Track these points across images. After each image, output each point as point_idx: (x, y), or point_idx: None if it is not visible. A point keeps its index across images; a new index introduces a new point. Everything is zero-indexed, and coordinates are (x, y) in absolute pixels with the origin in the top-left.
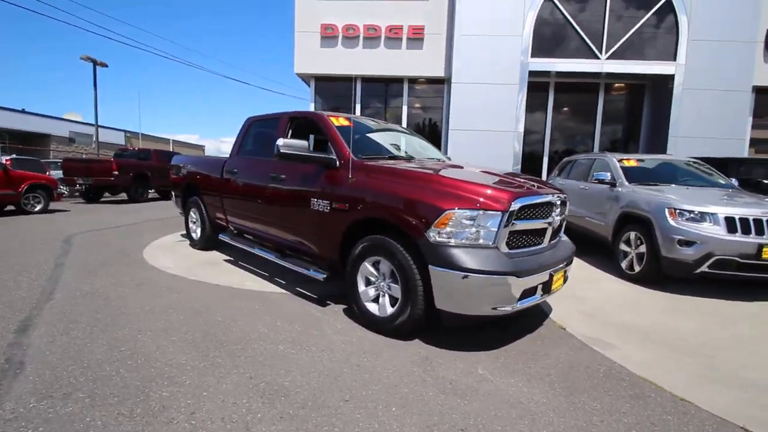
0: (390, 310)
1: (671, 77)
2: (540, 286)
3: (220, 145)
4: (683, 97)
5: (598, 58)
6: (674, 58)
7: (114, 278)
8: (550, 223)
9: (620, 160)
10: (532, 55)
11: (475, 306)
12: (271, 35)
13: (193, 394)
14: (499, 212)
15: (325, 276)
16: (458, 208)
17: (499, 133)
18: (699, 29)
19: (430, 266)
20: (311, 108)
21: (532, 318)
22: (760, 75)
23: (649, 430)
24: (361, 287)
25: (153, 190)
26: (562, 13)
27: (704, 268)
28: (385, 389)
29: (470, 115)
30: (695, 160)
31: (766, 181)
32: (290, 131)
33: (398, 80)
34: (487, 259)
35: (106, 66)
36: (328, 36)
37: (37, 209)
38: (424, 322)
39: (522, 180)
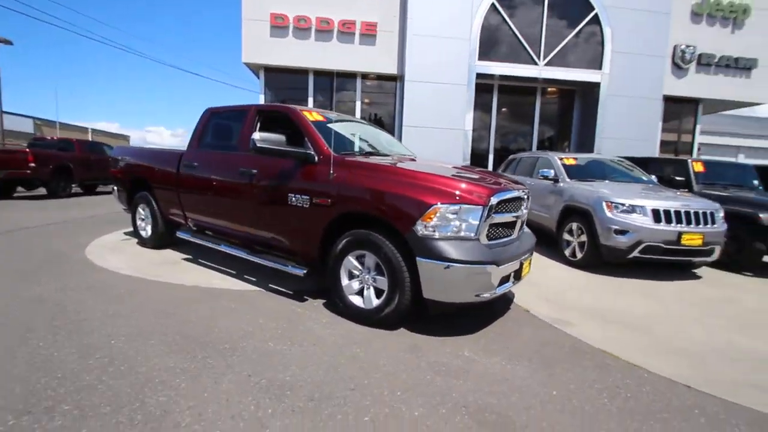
0: (376, 301)
1: (597, 84)
2: (512, 274)
3: (146, 134)
4: (607, 102)
5: (536, 64)
6: (600, 67)
7: (59, 282)
8: (518, 216)
9: (561, 159)
10: (479, 58)
11: (460, 294)
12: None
13: (193, 396)
14: (480, 206)
15: (305, 272)
16: (443, 203)
17: (449, 130)
18: (621, 42)
19: (417, 258)
20: (261, 100)
21: (499, 303)
22: (668, 85)
23: (614, 392)
24: (345, 281)
25: (75, 185)
26: (506, 21)
27: (636, 253)
28: (385, 376)
29: (422, 112)
30: (621, 159)
31: (677, 178)
32: (258, 125)
33: (351, 75)
34: (471, 250)
35: (11, 44)
36: (279, 26)
37: None
38: (410, 312)
39: (493, 176)
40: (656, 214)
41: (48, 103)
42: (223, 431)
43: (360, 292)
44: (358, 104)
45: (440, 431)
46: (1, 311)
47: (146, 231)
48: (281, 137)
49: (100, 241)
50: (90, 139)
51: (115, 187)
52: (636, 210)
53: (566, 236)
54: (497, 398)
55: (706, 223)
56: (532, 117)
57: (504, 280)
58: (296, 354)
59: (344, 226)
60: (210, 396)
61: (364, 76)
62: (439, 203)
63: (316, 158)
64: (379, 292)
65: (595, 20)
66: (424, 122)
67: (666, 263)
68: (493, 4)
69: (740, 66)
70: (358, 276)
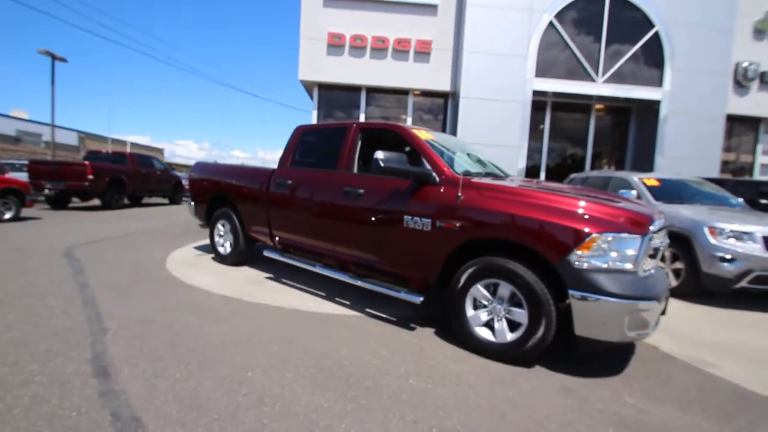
0: (510, 336)
1: (657, 102)
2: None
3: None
4: (667, 120)
5: (594, 81)
6: (660, 84)
7: (158, 301)
8: (660, 247)
9: (642, 179)
10: (536, 75)
11: (617, 332)
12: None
13: None
14: (640, 235)
15: (421, 299)
16: (603, 232)
17: (505, 147)
18: (681, 59)
19: (571, 291)
20: (314, 117)
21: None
22: (730, 103)
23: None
24: (470, 312)
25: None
26: (563, 39)
27: (744, 283)
28: (563, 429)
29: (476, 129)
30: (703, 180)
31: (763, 201)
32: (359, 143)
33: (403, 92)
34: (633, 284)
35: (66, 61)
36: (335, 44)
37: (7, 217)
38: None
39: (625, 200)
40: (766, 241)
41: (110, 119)
42: None
43: (487, 324)
44: (409, 120)
45: None
46: (118, 333)
47: (224, 248)
48: (403, 156)
49: (174, 256)
50: (129, 151)
51: (193, 202)
52: (745, 236)
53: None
54: None
55: None
56: (586, 135)
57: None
58: (447, 396)
59: (470, 252)
60: None
61: (417, 93)
62: (598, 232)
63: (438, 179)
64: (512, 326)
65: (656, 37)
66: (478, 139)
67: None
68: (551, 22)
69: None
70: (486, 306)
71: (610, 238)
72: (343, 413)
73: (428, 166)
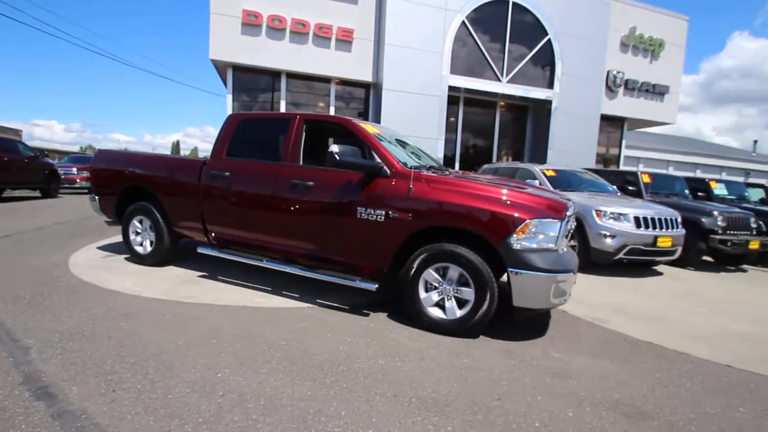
0: (459, 312)
1: (549, 102)
2: None
3: (33, 129)
4: (557, 118)
5: (500, 80)
6: (552, 87)
7: (79, 311)
8: (572, 229)
9: (543, 170)
10: (451, 72)
11: (546, 300)
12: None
13: (364, 423)
14: (560, 220)
15: (376, 286)
16: (534, 218)
17: (423, 139)
18: (568, 65)
19: (510, 269)
20: (228, 101)
21: None
22: (603, 106)
23: (689, 376)
24: (422, 294)
25: None
26: (474, 39)
27: (621, 254)
28: (512, 383)
29: (397, 120)
30: (586, 170)
31: (630, 188)
32: (303, 135)
33: (325, 80)
34: (557, 260)
35: None
36: (251, 23)
37: None
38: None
39: (540, 190)
40: (637, 221)
41: None
42: None
43: (437, 304)
44: (332, 109)
45: (602, 428)
46: (45, 351)
47: (144, 247)
48: (356, 150)
49: (77, 259)
50: None
51: (97, 197)
52: (621, 217)
53: None
54: (617, 392)
55: (672, 228)
56: (492, 129)
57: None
58: (415, 370)
59: (417, 240)
60: (379, 420)
61: (338, 81)
62: (530, 218)
63: (389, 172)
64: (460, 303)
65: (549, 44)
66: (401, 130)
67: (636, 262)
68: (463, 22)
69: (656, 91)
70: (437, 288)
71: (538, 223)
72: (328, 398)
73: (378, 160)
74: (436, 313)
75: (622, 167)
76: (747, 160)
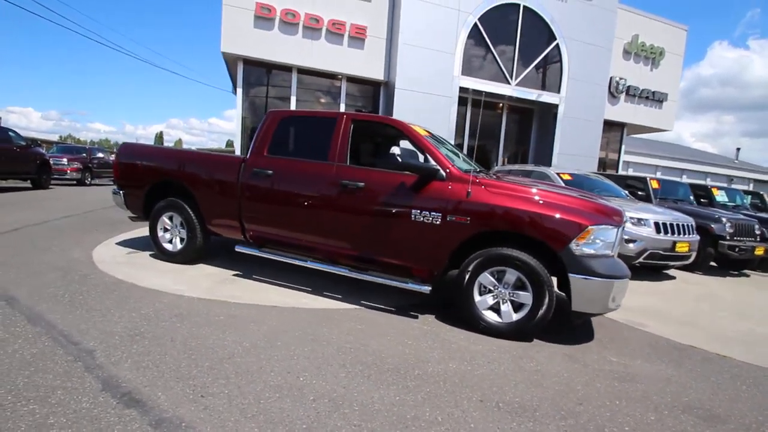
0: (515, 316)
1: (556, 106)
2: None
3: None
4: (563, 122)
5: (509, 83)
6: (559, 91)
7: (127, 310)
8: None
9: (558, 174)
10: (462, 73)
11: (604, 305)
12: None
13: (464, 429)
14: (617, 227)
15: (430, 288)
16: (594, 225)
17: None
18: (575, 70)
19: (570, 274)
20: (239, 95)
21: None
22: (606, 111)
23: (735, 375)
24: (477, 297)
25: None
26: (486, 42)
27: (641, 259)
28: (585, 387)
29: (409, 120)
30: (599, 175)
31: (640, 193)
32: (350, 135)
33: (337, 77)
34: (614, 266)
35: None
36: (264, 17)
37: None
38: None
39: (591, 196)
40: (657, 226)
41: None
42: None
43: (493, 308)
44: (342, 107)
45: (675, 427)
46: (112, 357)
47: (173, 244)
48: (415, 152)
49: (100, 255)
50: None
51: (122, 191)
52: (642, 222)
53: None
54: (685, 396)
55: (687, 233)
56: (499, 131)
57: None
58: (488, 374)
59: (472, 243)
60: (477, 426)
61: (350, 78)
62: (591, 224)
63: (444, 175)
64: (515, 307)
65: (557, 48)
66: None
67: (648, 266)
68: (476, 24)
69: (656, 99)
70: (492, 292)
71: (597, 230)
72: (418, 403)
73: (433, 163)
74: (491, 316)
75: (631, 172)
76: (730, 166)
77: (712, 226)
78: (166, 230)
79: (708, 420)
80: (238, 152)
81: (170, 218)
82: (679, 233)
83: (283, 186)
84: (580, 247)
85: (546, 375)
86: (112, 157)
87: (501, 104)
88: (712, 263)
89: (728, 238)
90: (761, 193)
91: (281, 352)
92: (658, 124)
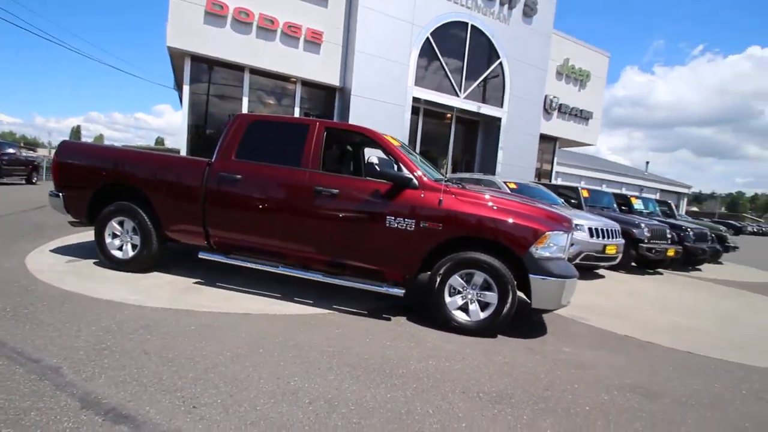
0: (482, 314)
1: (499, 119)
2: None
3: None
4: (506, 135)
5: (458, 96)
6: (502, 105)
7: (86, 324)
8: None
9: (505, 183)
10: (415, 83)
11: (557, 302)
12: None
13: (454, 417)
14: (567, 232)
15: (404, 291)
16: (550, 230)
17: None
18: (516, 87)
19: (531, 275)
20: (186, 92)
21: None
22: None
23: (671, 361)
24: (448, 298)
25: None
26: (437, 55)
27: (578, 260)
28: (550, 376)
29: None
30: (538, 184)
31: (572, 201)
32: (323, 142)
33: (291, 80)
34: (567, 267)
35: None
36: (216, 13)
37: None
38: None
39: (555, 206)
40: (591, 231)
41: None
42: None
43: (461, 308)
44: (297, 111)
45: (632, 407)
46: (80, 371)
47: (125, 251)
48: (390, 161)
49: (36, 265)
50: None
51: (61, 194)
52: (578, 227)
53: None
54: (628, 378)
55: (614, 237)
56: (448, 140)
57: None
58: (465, 369)
59: (443, 248)
60: (465, 414)
61: (305, 82)
62: (548, 230)
63: (417, 183)
64: (481, 306)
65: (500, 66)
66: None
67: (592, 267)
68: (428, 38)
69: (583, 116)
70: (461, 293)
71: (552, 235)
72: (408, 398)
73: (406, 172)
74: (461, 316)
75: (560, 182)
76: (641, 177)
77: (634, 231)
78: (115, 236)
79: (649, 397)
80: (183, 152)
81: (120, 223)
82: (608, 237)
83: (254, 191)
84: (538, 250)
85: (513, 366)
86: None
87: (450, 115)
88: (633, 263)
89: (646, 241)
90: (669, 201)
91: (266, 359)
92: (585, 139)
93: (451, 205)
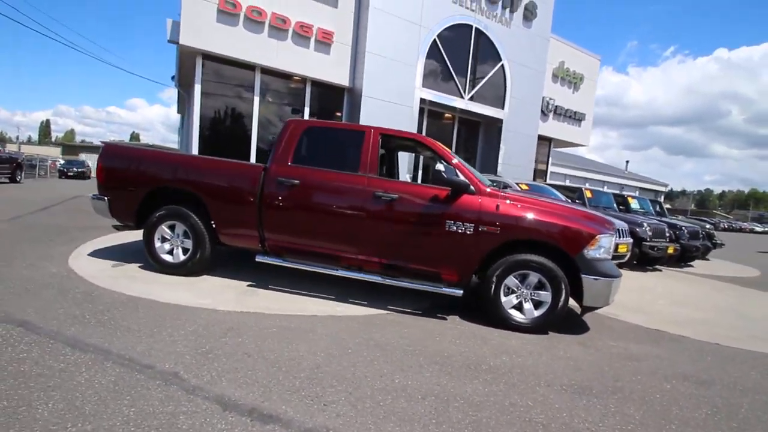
0: (536, 312)
1: (500, 120)
2: None
3: None
4: (506, 135)
5: (463, 97)
6: (503, 107)
7: (172, 329)
8: None
9: (518, 183)
10: (422, 85)
11: (606, 300)
12: None
13: (552, 408)
14: (612, 234)
15: (462, 292)
16: (600, 234)
17: None
18: (516, 89)
19: (583, 275)
20: (197, 92)
21: None
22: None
23: (701, 350)
24: (504, 298)
25: None
26: (443, 57)
27: None
28: (614, 369)
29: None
30: (545, 185)
31: (577, 201)
32: (379, 149)
33: (301, 79)
34: (613, 267)
35: None
36: (228, 12)
37: None
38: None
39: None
40: None
41: None
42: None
43: (515, 306)
44: (307, 110)
45: (691, 393)
46: (200, 372)
47: (175, 255)
48: (452, 168)
49: (84, 270)
50: None
51: (107, 198)
52: None
53: None
54: (679, 368)
55: (625, 236)
56: (451, 141)
57: None
58: (538, 363)
59: (498, 250)
60: (561, 405)
61: (314, 83)
62: (598, 234)
63: (474, 189)
64: (535, 304)
65: (502, 69)
66: None
67: None
68: (435, 40)
69: (576, 118)
70: (515, 292)
71: (601, 237)
72: (505, 392)
73: (462, 178)
74: (516, 314)
75: (549, 181)
76: (621, 176)
77: (637, 229)
78: (165, 240)
79: (703, 384)
80: (195, 151)
81: (170, 227)
82: (619, 236)
83: (312, 196)
84: (589, 252)
85: (577, 360)
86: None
87: (452, 115)
88: (634, 261)
89: (648, 239)
90: (659, 201)
91: (358, 358)
92: (578, 140)
93: (508, 210)
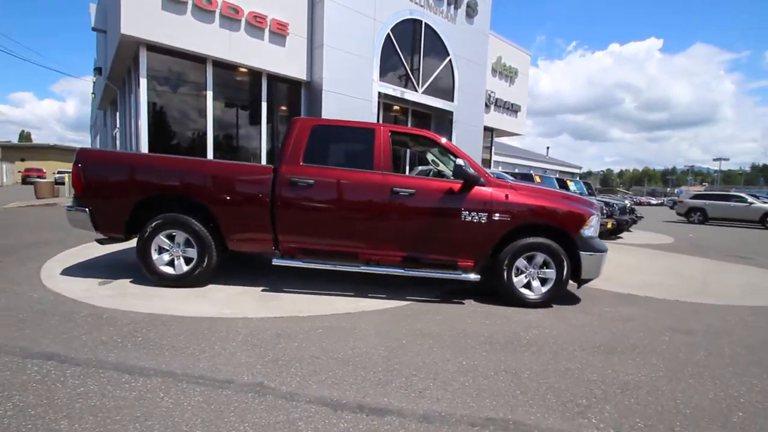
0: (543, 289)
1: (451, 112)
2: None
3: None
4: (456, 127)
5: (417, 90)
6: (453, 100)
7: (215, 343)
8: None
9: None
10: (379, 79)
11: (597, 272)
12: None
13: (586, 370)
14: (597, 214)
15: (479, 277)
16: (591, 214)
17: None
18: (462, 82)
19: (581, 252)
20: (143, 85)
21: None
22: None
23: (671, 308)
24: (515, 278)
25: None
26: (397, 51)
27: None
28: (621, 329)
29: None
30: (502, 173)
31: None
32: (391, 146)
33: (257, 73)
34: (602, 243)
35: None
36: (175, 0)
37: None
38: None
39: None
40: None
41: None
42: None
43: (527, 285)
44: (264, 105)
45: (681, 341)
46: (287, 380)
47: (177, 266)
48: (467, 162)
49: (77, 293)
50: None
51: (88, 209)
52: None
53: None
54: (665, 322)
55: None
56: None
57: None
58: (557, 334)
59: (507, 236)
60: (603, 365)
61: (271, 76)
62: (590, 215)
63: (484, 181)
64: (542, 281)
65: (450, 63)
66: None
67: None
68: (389, 35)
69: (513, 109)
70: (524, 272)
71: (593, 216)
72: (554, 360)
73: (473, 171)
74: (527, 292)
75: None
76: (543, 161)
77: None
78: (164, 251)
79: (688, 334)
80: (144, 150)
81: (170, 237)
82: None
83: (328, 195)
84: (585, 231)
85: (590, 326)
86: None
87: (407, 109)
88: None
89: None
90: (589, 182)
91: (417, 348)
92: (515, 129)
93: (516, 198)
